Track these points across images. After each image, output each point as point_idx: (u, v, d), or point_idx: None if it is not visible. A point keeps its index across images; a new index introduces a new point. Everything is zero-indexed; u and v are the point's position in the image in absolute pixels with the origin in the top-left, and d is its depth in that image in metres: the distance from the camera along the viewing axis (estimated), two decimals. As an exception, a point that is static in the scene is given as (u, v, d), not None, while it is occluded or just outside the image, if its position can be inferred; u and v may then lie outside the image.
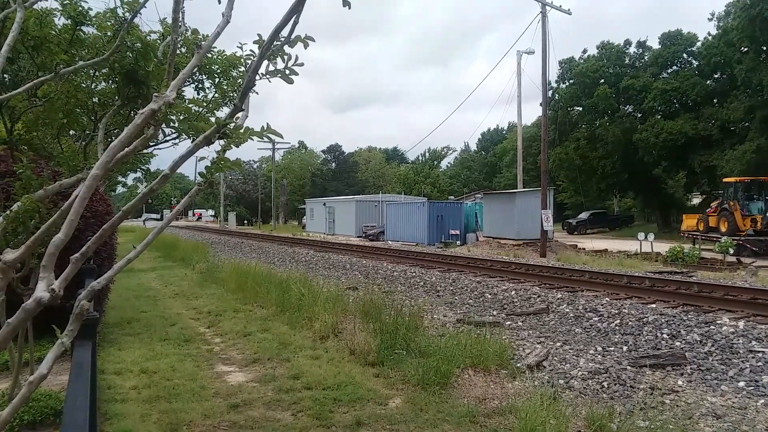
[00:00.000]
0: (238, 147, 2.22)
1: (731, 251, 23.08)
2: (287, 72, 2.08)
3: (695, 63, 42.96)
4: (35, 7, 4.30)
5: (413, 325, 7.99)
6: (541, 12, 26.90)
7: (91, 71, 5.02)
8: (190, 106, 2.32)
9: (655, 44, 45.17)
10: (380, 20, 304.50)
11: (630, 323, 9.45)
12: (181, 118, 2.30)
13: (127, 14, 4.06)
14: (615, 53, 45.73)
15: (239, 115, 2.23)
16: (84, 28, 4.82)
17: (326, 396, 5.92)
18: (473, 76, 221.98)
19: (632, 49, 46.47)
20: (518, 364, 7.14)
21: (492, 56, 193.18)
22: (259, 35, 2.25)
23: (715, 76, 41.96)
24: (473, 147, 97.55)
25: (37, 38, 4.38)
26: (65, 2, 4.49)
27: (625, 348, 8.29)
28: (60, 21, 4.85)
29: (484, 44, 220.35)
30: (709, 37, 41.03)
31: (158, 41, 4.98)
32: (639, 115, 44.87)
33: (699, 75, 41.51)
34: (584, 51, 47.98)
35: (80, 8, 4.52)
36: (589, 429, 5.13)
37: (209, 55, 6.59)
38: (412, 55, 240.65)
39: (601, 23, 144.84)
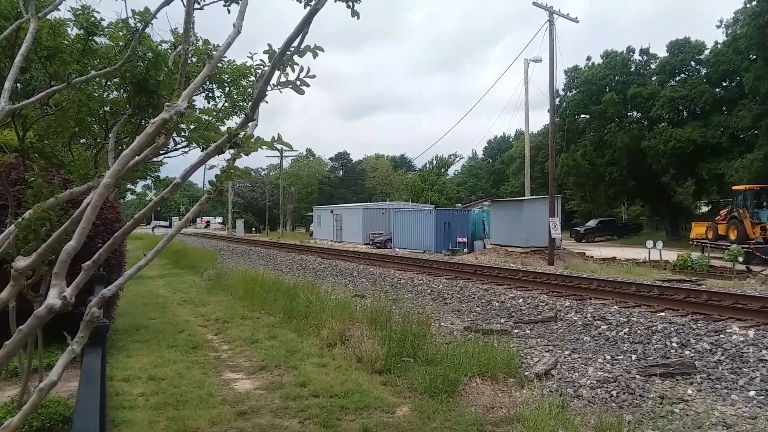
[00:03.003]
0: (247, 156, 2.24)
1: (741, 259, 22.92)
2: (298, 83, 2.10)
3: (703, 71, 42.85)
4: (48, 17, 4.36)
5: (421, 333, 7.98)
6: (548, 20, 26.95)
7: (102, 81, 5.08)
8: (200, 115, 2.35)
9: (662, 52, 45.21)
10: (393, 26, 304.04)
11: (639, 332, 9.39)
12: (192, 127, 2.32)
13: (138, 25, 4.10)
14: (620, 61, 45.73)
15: (249, 124, 2.25)
16: (96, 38, 4.88)
17: (333, 404, 5.91)
18: (485, 82, 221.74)
19: (637, 57, 46.51)
20: (526, 373, 7.11)
21: (504, 62, 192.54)
22: (269, 45, 2.28)
23: (724, 84, 41.82)
24: (480, 155, 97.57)
25: (50, 48, 4.43)
26: (78, 13, 4.54)
27: (634, 357, 8.24)
28: (73, 31, 4.91)
29: (496, 50, 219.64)
30: (718, 45, 40.92)
31: (169, 51, 5.03)
32: (646, 123, 44.78)
33: (707, 83, 41.38)
34: (588, 58, 48.06)
35: (93, 19, 4.57)
36: (598, 438, 5.09)
37: (220, 65, 6.64)
38: (423, 62, 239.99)
39: (612, 31, 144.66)
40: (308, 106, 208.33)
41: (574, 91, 46.99)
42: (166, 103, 2.06)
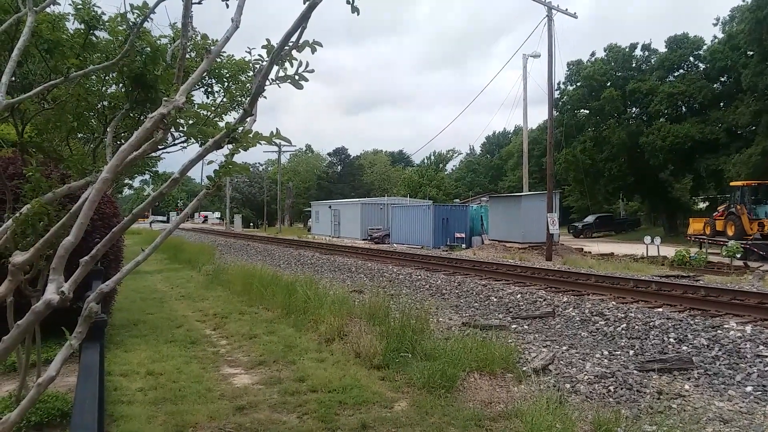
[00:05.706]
0: (246, 151, 2.24)
1: (738, 255, 22.96)
2: (297, 78, 2.09)
3: (702, 66, 42.85)
4: (48, 11, 4.34)
5: (419, 328, 7.99)
6: (546, 15, 26.89)
7: (101, 75, 5.06)
8: (199, 110, 2.34)
9: (661, 47, 45.18)
10: (395, 21, 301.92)
11: (636, 327, 9.42)
12: (190, 122, 2.32)
13: (137, 19, 4.08)
14: (621, 56, 45.70)
15: (247, 119, 2.24)
16: (96, 33, 4.86)
17: (331, 399, 5.92)
18: (488, 77, 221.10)
19: (638, 52, 46.47)
20: (524, 368, 7.12)
21: (507, 58, 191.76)
22: (267, 40, 2.27)
23: (722, 79, 41.83)
24: (479, 150, 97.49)
25: (51, 42, 4.42)
26: (78, 6, 4.53)
27: (631, 352, 8.26)
28: (73, 25, 4.90)
29: (500, 46, 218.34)
30: (716, 41, 40.91)
31: (168, 45, 5.01)
32: (645, 119, 44.80)
33: (706, 78, 41.38)
34: (592, 54, 47.95)
35: (93, 12, 4.55)
36: (595, 433, 5.11)
37: (218, 60, 6.61)
38: (426, 57, 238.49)
39: (617, 28, 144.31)
40: (309, 100, 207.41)
41: (576, 85, 46.88)
42: (164, 98, 2.06)
